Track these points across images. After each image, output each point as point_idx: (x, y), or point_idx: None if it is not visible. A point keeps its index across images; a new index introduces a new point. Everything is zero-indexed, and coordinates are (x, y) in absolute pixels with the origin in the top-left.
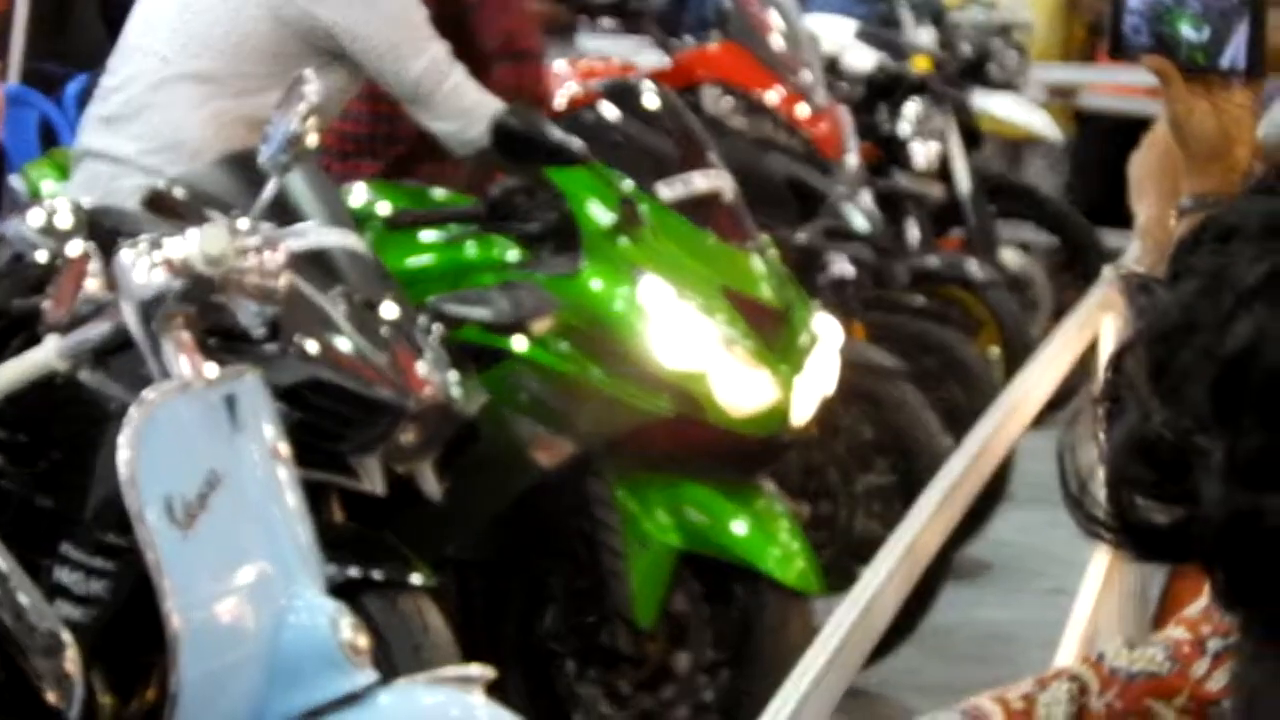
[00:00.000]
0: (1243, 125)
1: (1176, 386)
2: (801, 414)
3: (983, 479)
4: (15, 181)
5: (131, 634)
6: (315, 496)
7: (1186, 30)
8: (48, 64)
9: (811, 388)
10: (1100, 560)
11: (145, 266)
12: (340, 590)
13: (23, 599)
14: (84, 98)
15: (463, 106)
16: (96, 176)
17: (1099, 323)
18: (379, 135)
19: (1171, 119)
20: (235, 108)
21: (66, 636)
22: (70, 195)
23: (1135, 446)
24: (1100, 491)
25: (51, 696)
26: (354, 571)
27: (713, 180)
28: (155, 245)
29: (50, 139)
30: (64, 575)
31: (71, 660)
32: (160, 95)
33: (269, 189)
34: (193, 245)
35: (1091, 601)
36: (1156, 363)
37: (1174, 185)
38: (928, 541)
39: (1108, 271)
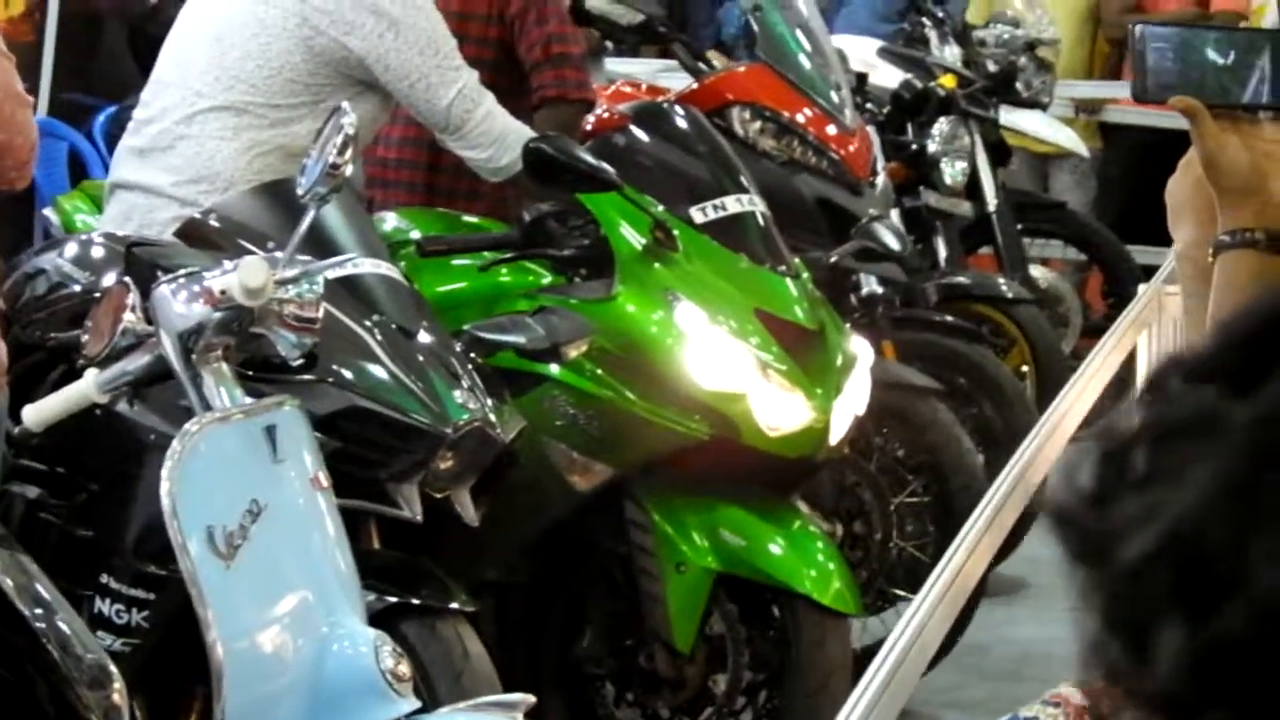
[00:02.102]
0: (1274, 159)
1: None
2: (837, 434)
3: (1026, 499)
4: (48, 214)
5: (170, 664)
6: (352, 524)
7: (1212, 55)
8: (75, 96)
9: (846, 408)
10: None
11: (185, 299)
12: (379, 617)
13: (68, 630)
14: (112, 129)
15: (494, 134)
16: (132, 208)
17: (1135, 340)
18: (421, 163)
19: (1203, 156)
20: (269, 138)
21: (113, 668)
22: (105, 227)
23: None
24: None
25: None
26: (393, 598)
27: (745, 203)
28: (194, 277)
29: (78, 170)
30: (104, 606)
31: (118, 692)
32: (193, 128)
33: (306, 219)
34: (232, 277)
35: None
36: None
37: (1211, 209)
38: (976, 563)
39: (1144, 289)
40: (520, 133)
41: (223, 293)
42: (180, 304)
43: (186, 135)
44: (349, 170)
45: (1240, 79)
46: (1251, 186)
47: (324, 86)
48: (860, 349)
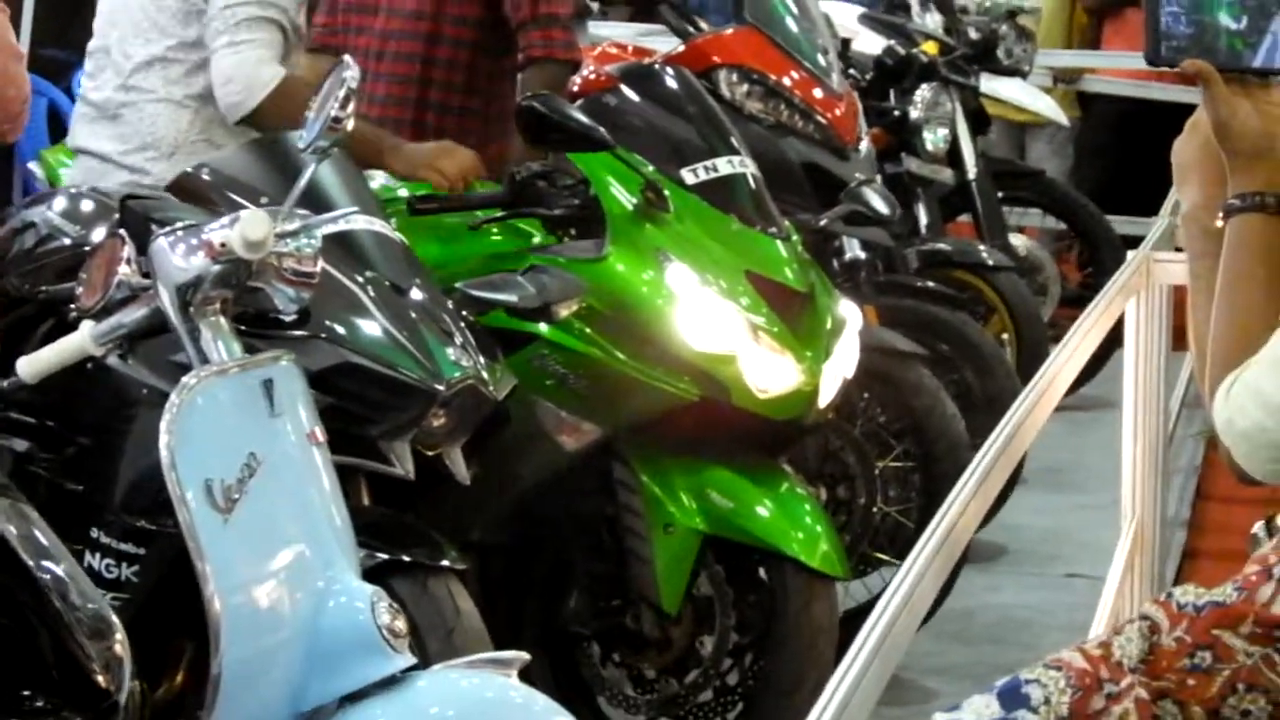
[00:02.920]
0: None
1: None
2: (826, 397)
3: (1013, 464)
4: (33, 167)
5: (159, 619)
6: (344, 481)
7: (1225, 19)
8: (54, 51)
9: (835, 371)
10: (1123, 545)
11: (183, 251)
12: (371, 574)
13: (69, 580)
14: None
15: (222, 72)
16: (89, 171)
17: (1122, 307)
18: (405, 120)
19: (1214, 120)
20: (201, 86)
21: (114, 618)
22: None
23: None
24: None
25: (101, 679)
26: (384, 555)
27: (736, 165)
28: (193, 230)
29: (58, 126)
30: (94, 561)
31: (120, 643)
32: (131, 94)
33: (307, 173)
34: (233, 230)
35: (1115, 585)
36: None
37: (1218, 171)
38: (964, 528)
39: (1132, 255)
40: (251, 83)
41: (222, 245)
42: (179, 257)
43: (126, 102)
44: (350, 124)
45: (1252, 44)
46: (1261, 150)
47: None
48: (849, 312)
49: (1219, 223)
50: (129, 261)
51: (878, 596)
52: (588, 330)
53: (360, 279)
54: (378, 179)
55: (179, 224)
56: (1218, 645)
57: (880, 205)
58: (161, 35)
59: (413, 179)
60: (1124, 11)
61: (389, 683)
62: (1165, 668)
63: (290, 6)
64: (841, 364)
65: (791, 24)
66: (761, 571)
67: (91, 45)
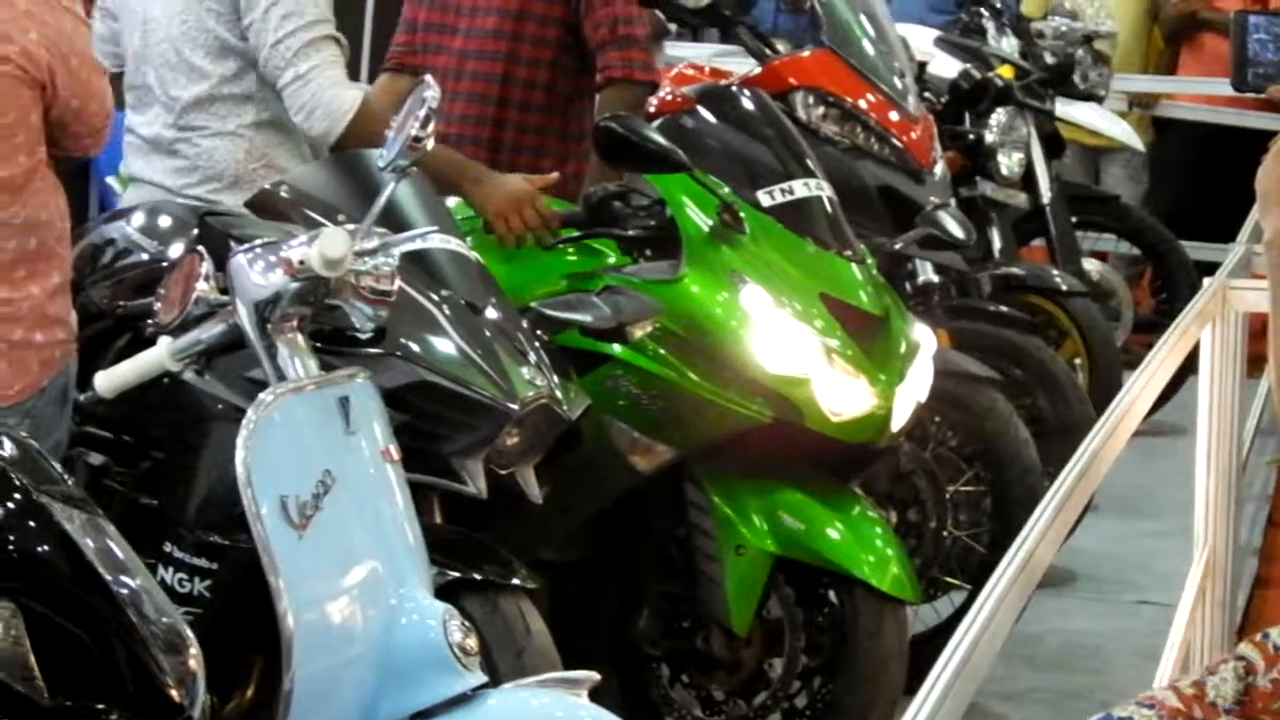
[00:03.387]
0: None
1: None
2: (899, 421)
3: (1090, 491)
4: (111, 183)
5: (231, 633)
6: (416, 499)
7: None
8: None
9: (909, 395)
10: (1195, 573)
11: (262, 268)
12: (441, 592)
13: (145, 594)
14: None
15: (300, 101)
16: (153, 195)
17: (1198, 335)
18: (482, 139)
19: None
20: (252, 115)
21: (188, 633)
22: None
23: None
24: None
25: (175, 694)
26: (455, 573)
27: (812, 188)
28: (271, 247)
29: None
30: (167, 575)
31: (194, 658)
32: (183, 132)
33: (386, 191)
34: (312, 248)
35: (1186, 613)
36: None
37: None
38: (1042, 554)
39: (1208, 283)
40: (335, 108)
41: (301, 263)
42: (257, 273)
43: (179, 139)
44: (430, 144)
45: None
46: None
47: (240, 39)
48: (923, 336)
49: None
50: (207, 278)
51: (947, 621)
52: (661, 351)
53: (436, 298)
54: (453, 199)
55: (257, 241)
56: None
57: (955, 229)
58: (202, 78)
59: (483, 217)
60: (1200, 37)
61: (459, 701)
62: (1260, 709)
63: (331, 15)
64: (915, 388)
65: (868, 47)
66: (832, 594)
67: (129, 80)
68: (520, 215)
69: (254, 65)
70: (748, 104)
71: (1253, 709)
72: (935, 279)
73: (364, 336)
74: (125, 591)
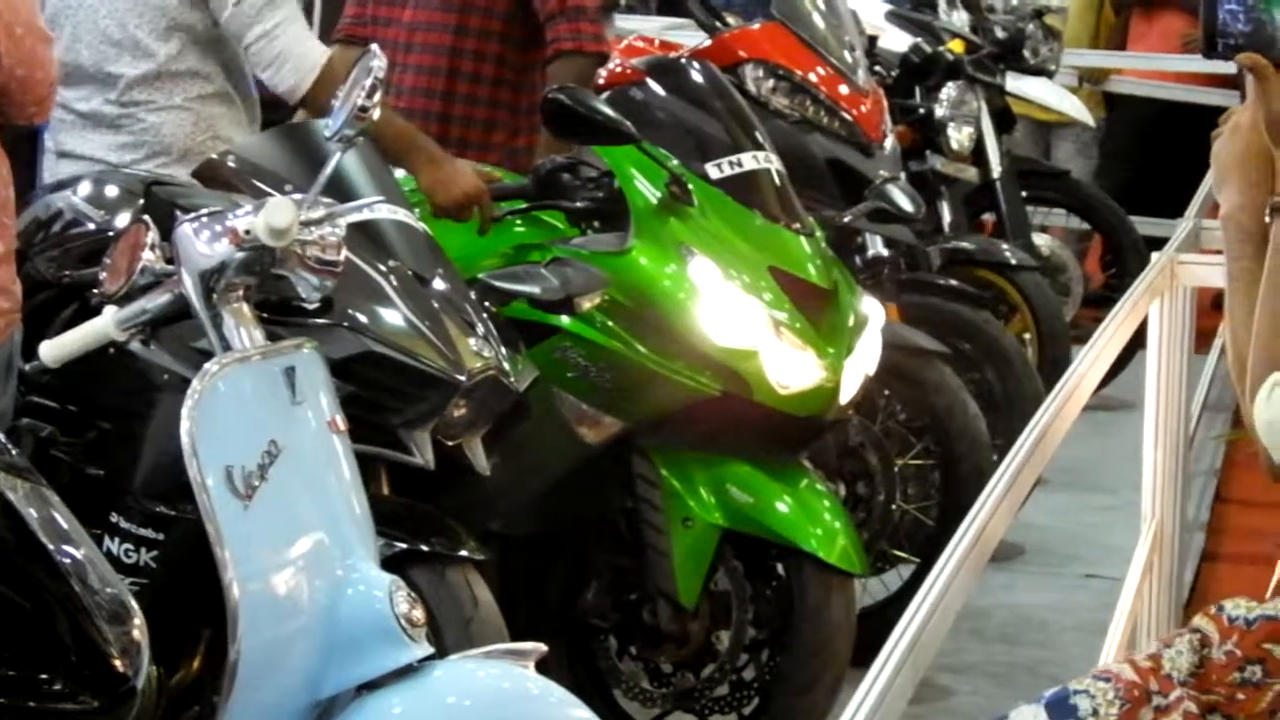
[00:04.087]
0: None
1: None
2: (847, 394)
3: (1041, 465)
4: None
5: (177, 605)
6: (363, 470)
7: None
8: None
9: (857, 368)
10: (1143, 547)
11: (207, 238)
12: (389, 563)
13: (89, 564)
14: None
15: (269, 56)
16: (90, 170)
17: (1147, 309)
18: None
19: (1267, 116)
20: (196, 90)
21: (133, 603)
22: None
23: None
24: None
25: (119, 664)
26: (402, 545)
27: (761, 160)
28: (217, 217)
29: None
30: (113, 545)
31: (138, 628)
32: (127, 108)
33: (333, 161)
34: (257, 217)
35: (1134, 587)
36: None
37: (1259, 173)
38: (994, 529)
39: (1157, 257)
40: (302, 62)
41: (246, 232)
42: (203, 243)
43: (122, 115)
44: (376, 114)
45: None
46: None
47: (188, 9)
48: (872, 310)
49: (1267, 219)
50: (153, 247)
51: (895, 594)
52: (610, 323)
53: (383, 268)
54: (401, 171)
55: (203, 210)
56: (1268, 659)
57: (904, 203)
58: (147, 57)
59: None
60: (1152, 11)
61: (406, 672)
62: (1215, 681)
63: None
64: (863, 361)
65: (818, 20)
66: (779, 567)
67: (60, 56)
68: (466, 213)
69: (198, 42)
70: (697, 76)
71: (1208, 681)
72: (885, 253)
73: (310, 307)
74: (69, 561)
